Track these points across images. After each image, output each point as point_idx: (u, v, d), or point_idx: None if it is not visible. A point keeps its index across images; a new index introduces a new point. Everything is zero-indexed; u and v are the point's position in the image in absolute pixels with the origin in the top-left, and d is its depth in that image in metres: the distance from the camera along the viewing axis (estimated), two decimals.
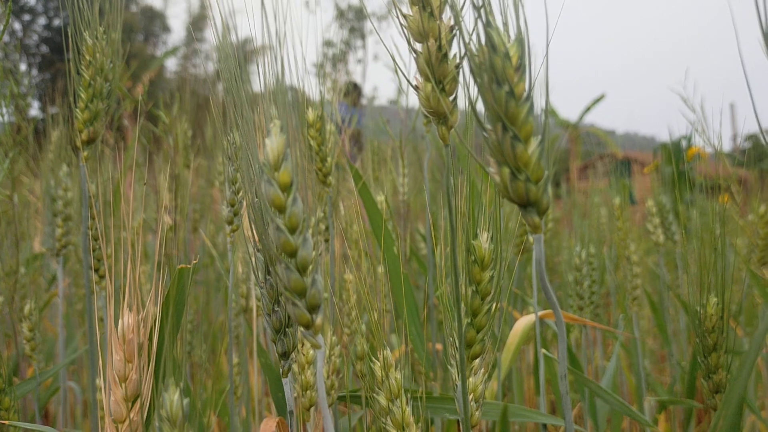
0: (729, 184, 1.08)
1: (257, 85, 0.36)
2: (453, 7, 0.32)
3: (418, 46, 0.34)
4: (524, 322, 0.74)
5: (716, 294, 0.52)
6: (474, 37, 0.30)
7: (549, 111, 0.31)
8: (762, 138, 0.40)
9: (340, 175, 0.97)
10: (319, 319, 0.31)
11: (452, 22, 0.34)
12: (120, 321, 0.34)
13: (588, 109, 5.16)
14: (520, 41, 0.30)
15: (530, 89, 0.30)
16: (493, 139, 0.30)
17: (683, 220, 1.21)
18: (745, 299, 1.11)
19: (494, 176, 0.30)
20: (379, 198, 0.86)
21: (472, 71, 0.30)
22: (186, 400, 0.29)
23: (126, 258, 0.36)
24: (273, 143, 0.31)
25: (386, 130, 0.99)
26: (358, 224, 0.93)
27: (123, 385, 0.33)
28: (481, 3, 0.30)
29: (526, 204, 0.30)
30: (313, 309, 0.31)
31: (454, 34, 0.34)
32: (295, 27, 0.37)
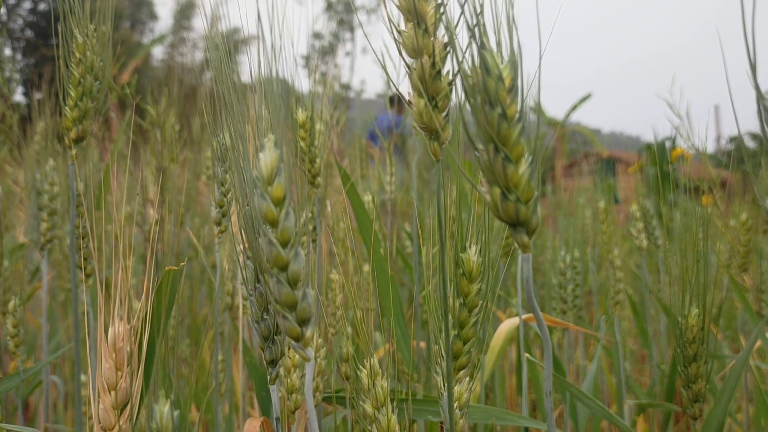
0: (711, 187, 1.09)
1: (246, 75, 0.36)
2: (447, 27, 0.32)
3: (411, 62, 0.35)
4: (508, 324, 0.75)
5: (698, 303, 0.53)
6: (467, 55, 0.31)
7: (540, 114, 0.31)
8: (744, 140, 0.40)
9: (327, 171, 0.97)
10: (309, 332, 0.31)
11: (446, 40, 0.34)
12: (110, 328, 0.34)
13: (575, 107, 5.19)
14: (513, 63, 0.30)
15: (522, 111, 0.30)
16: (485, 159, 0.30)
17: (666, 221, 1.23)
18: (725, 303, 1.13)
19: (485, 195, 0.31)
20: (367, 198, 0.86)
21: (465, 92, 0.30)
22: (177, 413, 0.29)
23: (113, 255, 0.36)
24: (267, 158, 0.31)
25: (375, 131, 0.99)
26: (344, 222, 0.93)
27: (112, 392, 0.33)
28: (474, 23, 0.30)
29: (515, 224, 0.30)
30: (303, 322, 0.31)
31: (448, 52, 0.34)
32: (284, 18, 0.37)
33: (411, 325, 0.95)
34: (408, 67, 0.34)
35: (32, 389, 0.85)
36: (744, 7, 0.29)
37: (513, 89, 0.30)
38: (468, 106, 0.30)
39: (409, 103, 0.35)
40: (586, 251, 1.26)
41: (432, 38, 0.34)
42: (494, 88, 0.29)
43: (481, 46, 0.30)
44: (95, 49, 0.55)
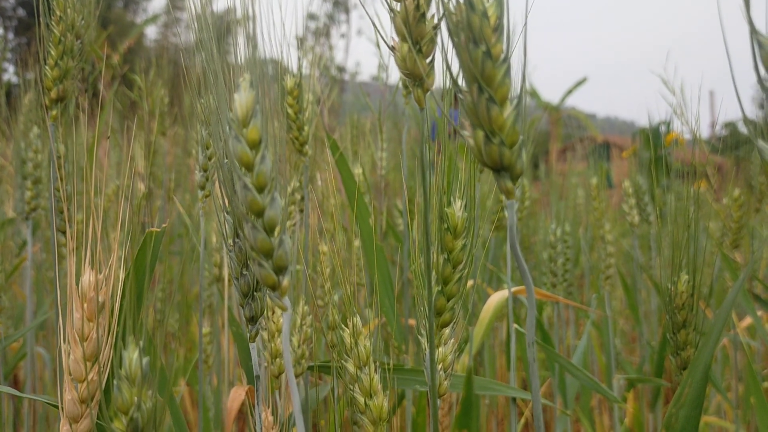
0: (705, 170, 1.09)
1: (236, 56, 0.35)
2: None
3: (396, 6, 0.34)
4: (498, 297, 0.74)
5: (687, 272, 0.52)
6: None
7: (527, 77, 0.30)
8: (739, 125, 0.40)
9: (317, 145, 0.96)
10: (285, 281, 0.30)
11: None
12: (82, 278, 0.33)
13: (570, 91, 5.17)
14: (500, 1, 0.29)
15: (508, 50, 0.29)
16: (469, 101, 0.29)
17: (659, 203, 1.22)
18: (716, 282, 1.13)
19: (468, 139, 0.30)
20: (357, 170, 0.85)
21: (449, 30, 0.29)
22: (146, 359, 0.28)
23: (88, 214, 0.35)
24: (242, 98, 0.30)
25: (368, 104, 0.97)
26: (334, 197, 0.92)
27: (83, 344, 0.32)
28: None
29: (499, 168, 0.29)
30: (279, 270, 0.30)
31: None
32: None
33: (401, 300, 0.95)
34: (391, 10, 0.33)
35: (18, 360, 0.84)
36: None
37: (498, 28, 0.29)
38: (452, 44, 0.29)
39: (393, 48, 0.34)
40: (577, 229, 1.25)
41: None
42: (479, 24, 0.28)
43: None
44: (76, 7, 0.54)
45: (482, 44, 0.28)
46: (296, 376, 0.57)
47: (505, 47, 0.29)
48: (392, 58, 0.35)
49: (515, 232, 0.30)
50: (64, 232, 0.60)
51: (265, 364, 0.55)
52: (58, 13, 0.54)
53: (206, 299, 0.91)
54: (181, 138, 1.30)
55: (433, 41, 0.33)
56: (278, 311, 0.54)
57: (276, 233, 0.30)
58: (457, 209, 0.37)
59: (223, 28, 0.37)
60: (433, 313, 0.37)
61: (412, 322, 0.96)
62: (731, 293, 0.36)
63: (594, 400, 1.08)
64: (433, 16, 0.33)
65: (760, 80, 0.25)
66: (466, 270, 0.37)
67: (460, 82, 0.29)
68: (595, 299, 1.02)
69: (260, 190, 0.30)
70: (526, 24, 0.31)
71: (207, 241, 0.88)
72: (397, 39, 0.34)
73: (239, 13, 0.35)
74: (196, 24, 0.37)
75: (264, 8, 0.34)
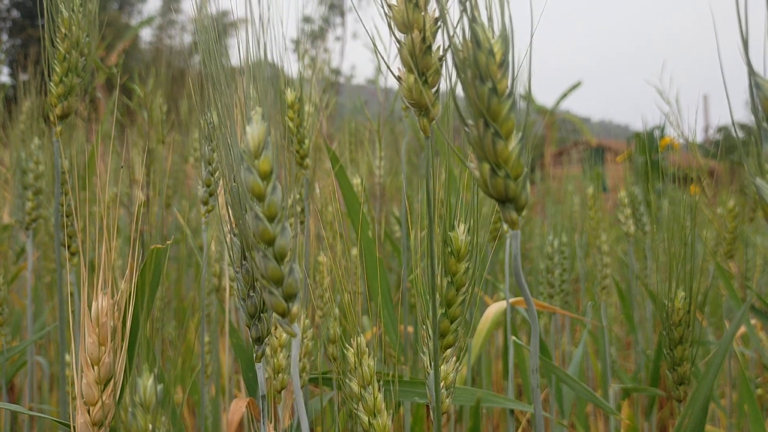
0: (699, 176, 1.10)
1: (235, 58, 0.36)
2: (438, 1, 0.32)
3: (401, 37, 0.34)
4: (495, 308, 0.75)
5: (683, 287, 0.53)
6: (459, 30, 0.30)
7: (530, 102, 0.31)
8: (733, 130, 0.40)
9: (316, 155, 0.97)
10: (295, 308, 0.31)
11: (437, 14, 0.34)
12: (94, 303, 0.33)
13: (564, 95, 5.19)
14: (505, 37, 0.30)
15: (513, 86, 0.30)
16: (475, 135, 0.30)
17: (654, 209, 1.23)
18: (711, 290, 1.14)
19: (474, 171, 0.30)
20: (356, 180, 0.86)
21: (455, 66, 0.30)
22: (160, 386, 0.29)
23: (98, 234, 0.35)
24: (254, 131, 0.31)
25: (366, 115, 0.98)
26: (333, 205, 0.93)
27: (96, 367, 0.33)
28: None
29: (504, 200, 0.30)
30: (289, 298, 0.31)
31: (439, 26, 0.34)
32: (273, 1, 0.36)
33: (399, 309, 0.95)
34: (398, 42, 0.34)
35: (17, 369, 0.84)
36: None
37: (504, 64, 0.30)
38: (459, 82, 0.30)
39: (399, 78, 0.35)
40: (573, 237, 1.26)
41: (423, 12, 0.34)
42: (485, 62, 0.29)
43: (473, 20, 0.29)
44: (81, 25, 0.55)
45: (488, 81, 0.29)
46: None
47: (510, 82, 0.30)
48: (388, 57, 0.36)
49: (519, 262, 0.31)
50: (68, 247, 0.60)
51: (266, 376, 0.56)
52: (63, 30, 0.55)
53: (205, 308, 0.92)
54: (177, 144, 1.30)
55: (438, 72, 0.34)
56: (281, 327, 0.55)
57: (285, 261, 0.31)
58: (461, 233, 0.38)
59: (221, 30, 0.38)
60: (437, 335, 0.37)
61: (410, 329, 0.97)
62: (731, 328, 0.37)
63: (590, 406, 1.09)
64: (438, 47, 0.34)
65: (758, 122, 0.26)
66: (469, 293, 0.38)
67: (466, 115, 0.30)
68: (591, 307, 1.04)
69: (271, 219, 0.31)
70: (530, 58, 0.32)
71: (206, 251, 0.88)
72: (403, 69, 0.34)
73: (236, 16, 0.36)
74: (193, 26, 0.38)
75: (261, 11, 0.34)
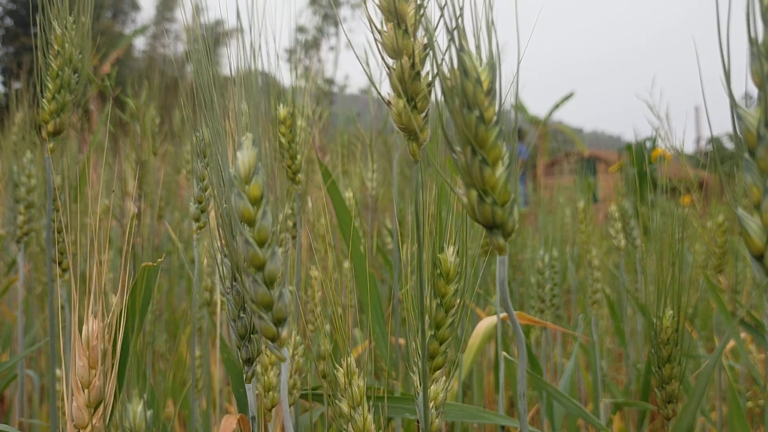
0: (689, 188, 1.10)
1: (228, 67, 0.36)
2: (427, 29, 0.32)
3: (391, 62, 0.35)
4: (486, 323, 0.75)
5: (673, 304, 0.53)
6: (447, 57, 0.31)
7: (517, 132, 0.32)
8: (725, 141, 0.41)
9: (309, 166, 0.97)
10: (284, 333, 0.31)
11: (426, 41, 0.34)
12: (84, 326, 0.34)
13: (557, 106, 5.21)
14: (492, 66, 0.30)
15: (500, 113, 0.30)
16: (462, 162, 0.30)
17: (644, 221, 1.24)
18: (701, 303, 1.14)
19: (462, 197, 0.31)
20: (348, 194, 0.86)
21: (444, 94, 0.30)
22: (150, 412, 0.29)
23: (89, 249, 0.35)
24: (244, 157, 0.31)
25: (357, 125, 0.99)
26: (325, 218, 0.93)
27: (86, 391, 0.33)
28: (454, 25, 0.30)
29: (492, 226, 0.31)
30: (279, 322, 0.31)
31: (428, 53, 0.34)
32: (266, 10, 0.36)
33: (390, 321, 0.95)
34: (388, 67, 0.34)
35: (7, 383, 0.84)
36: (719, 15, 0.29)
37: (491, 92, 0.30)
38: (446, 107, 0.30)
39: (389, 103, 0.35)
40: (565, 250, 1.27)
41: (412, 39, 0.34)
42: (472, 91, 0.29)
43: (460, 49, 0.30)
44: (74, 41, 0.55)
45: (476, 109, 0.29)
46: (288, 405, 0.58)
47: (497, 110, 0.30)
48: (380, 74, 0.36)
49: (506, 287, 0.31)
50: (60, 263, 0.60)
51: (257, 392, 0.56)
52: (56, 47, 0.55)
53: (197, 321, 0.92)
54: (170, 155, 1.30)
55: (426, 98, 0.34)
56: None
57: (275, 286, 0.31)
58: (450, 255, 0.38)
59: (213, 41, 0.38)
60: (426, 357, 0.38)
61: (401, 341, 0.97)
62: (718, 349, 0.38)
63: (581, 420, 1.10)
64: (427, 73, 0.34)
65: (740, 153, 0.26)
66: (459, 315, 0.38)
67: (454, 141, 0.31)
68: (582, 319, 1.04)
69: (261, 244, 0.31)
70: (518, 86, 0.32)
71: (198, 268, 0.88)
72: (392, 95, 0.35)
73: (229, 26, 0.36)
74: (186, 36, 0.38)
75: (255, 21, 0.34)
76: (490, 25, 0.31)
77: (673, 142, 1.17)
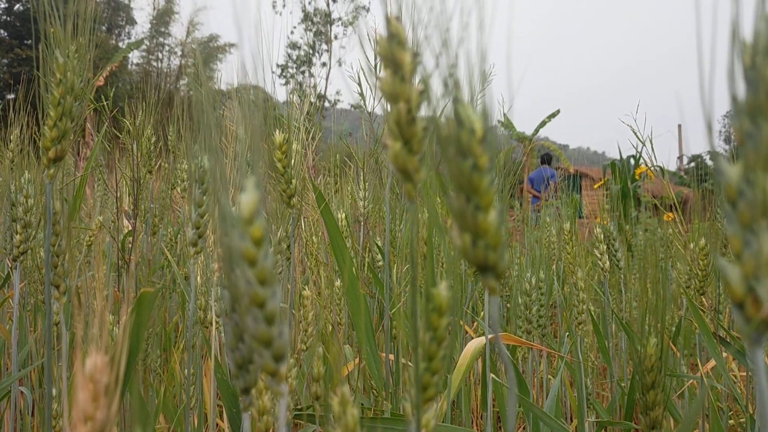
0: (672, 205, 1.12)
1: (222, 82, 0.37)
2: (423, 79, 0.34)
3: (388, 106, 0.36)
4: (475, 344, 0.77)
5: (656, 326, 0.55)
6: (441, 105, 0.32)
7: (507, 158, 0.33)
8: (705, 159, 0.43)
9: (302, 185, 0.98)
10: (283, 369, 0.33)
11: (422, 87, 0.36)
12: (88, 360, 0.35)
13: (543, 123, 5.26)
14: (485, 115, 0.32)
15: (493, 160, 0.32)
16: (456, 206, 0.32)
17: (627, 237, 1.26)
18: (684, 321, 1.16)
19: (456, 240, 0.32)
20: (340, 215, 0.88)
21: (439, 142, 0.32)
22: None
23: (86, 266, 0.37)
24: (247, 199, 0.32)
25: (348, 145, 1.00)
26: (318, 237, 0.94)
27: (89, 423, 0.34)
28: (448, 76, 0.32)
29: (484, 268, 0.32)
30: (278, 359, 0.33)
31: (423, 99, 0.36)
32: (261, 27, 0.38)
33: (381, 337, 0.97)
34: (385, 111, 0.36)
35: (0, 399, 0.85)
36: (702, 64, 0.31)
37: (484, 140, 0.32)
38: (442, 156, 0.32)
39: (386, 146, 0.36)
40: (551, 270, 1.28)
41: (408, 85, 0.36)
42: (467, 140, 0.31)
43: (455, 101, 0.31)
44: (76, 70, 0.56)
45: (470, 158, 0.31)
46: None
47: (490, 156, 0.32)
48: (373, 99, 0.38)
49: (498, 326, 0.32)
50: (58, 287, 0.61)
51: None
52: (58, 75, 0.56)
53: (191, 339, 0.92)
54: (165, 171, 1.31)
55: (421, 141, 0.36)
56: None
57: (275, 323, 0.33)
58: (442, 289, 0.40)
59: (208, 55, 0.39)
60: (420, 390, 0.39)
61: (391, 357, 0.99)
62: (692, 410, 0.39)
63: None
64: (423, 118, 0.36)
65: (721, 204, 0.28)
66: (451, 348, 0.40)
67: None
68: (568, 338, 1.06)
69: (262, 284, 0.32)
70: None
71: (194, 291, 0.89)
72: (389, 137, 0.36)
73: (224, 41, 0.37)
74: (181, 50, 0.39)
75: (248, 37, 0.36)
76: (483, 77, 0.32)
77: (654, 161, 1.20)
